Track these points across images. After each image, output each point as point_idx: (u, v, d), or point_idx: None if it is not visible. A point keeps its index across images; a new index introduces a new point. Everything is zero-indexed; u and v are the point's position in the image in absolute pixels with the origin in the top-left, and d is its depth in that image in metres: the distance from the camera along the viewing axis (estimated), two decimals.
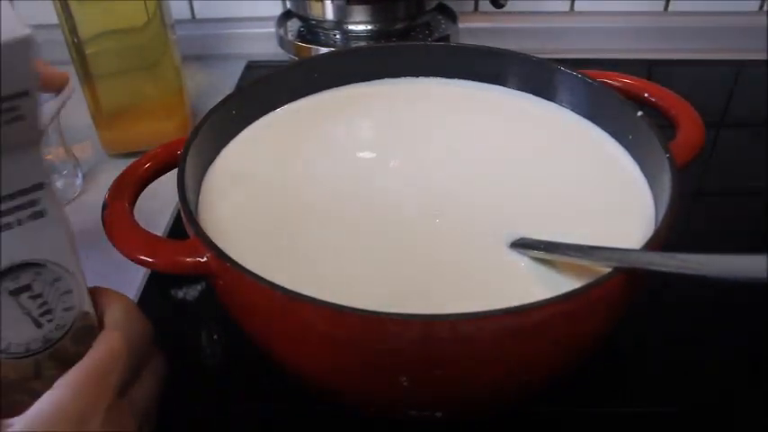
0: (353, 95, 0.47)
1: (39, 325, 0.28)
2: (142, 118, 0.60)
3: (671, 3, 0.76)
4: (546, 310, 0.28)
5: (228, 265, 0.30)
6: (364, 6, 0.64)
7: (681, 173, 0.35)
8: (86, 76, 0.57)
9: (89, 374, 0.27)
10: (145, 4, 0.55)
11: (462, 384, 0.32)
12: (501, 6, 0.70)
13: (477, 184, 0.40)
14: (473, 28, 0.76)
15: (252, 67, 0.76)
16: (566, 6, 0.77)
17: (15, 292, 0.27)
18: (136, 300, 0.47)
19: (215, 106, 0.41)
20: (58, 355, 0.29)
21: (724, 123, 0.66)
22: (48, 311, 0.28)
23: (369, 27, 0.65)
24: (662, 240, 0.32)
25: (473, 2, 0.78)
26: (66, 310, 0.29)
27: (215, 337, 0.46)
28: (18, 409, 0.26)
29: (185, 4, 0.77)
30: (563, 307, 0.28)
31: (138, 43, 0.56)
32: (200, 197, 0.38)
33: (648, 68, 0.74)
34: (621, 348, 0.43)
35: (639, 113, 0.39)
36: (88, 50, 0.55)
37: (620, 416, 0.39)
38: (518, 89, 0.46)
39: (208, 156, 0.41)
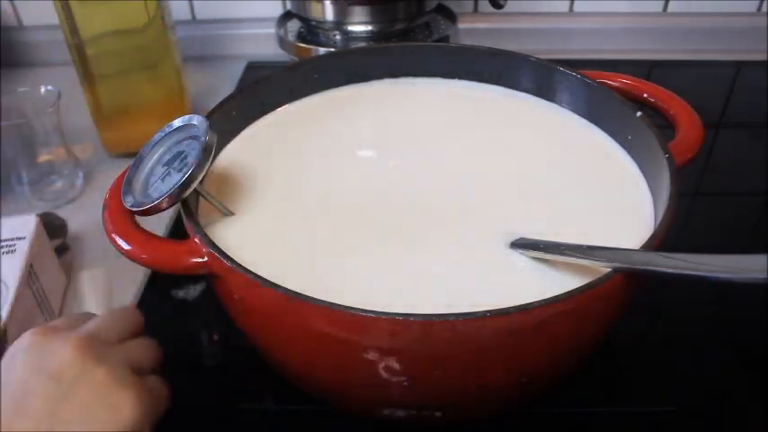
0: (353, 95, 0.47)
1: None
2: (142, 118, 0.60)
3: (670, 3, 0.76)
4: (546, 310, 0.28)
5: (228, 264, 0.30)
6: (364, 7, 0.64)
7: (680, 173, 0.35)
8: (87, 77, 0.57)
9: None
10: (145, 4, 0.55)
11: (462, 384, 0.32)
12: (500, 7, 0.70)
13: (477, 184, 0.40)
14: (472, 28, 0.76)
15: (252, 67, 0.76)
16: (565, 7, 0.77)
17: None
18: (136, 300, 0.47)
19: (215, 107, 0.41)
20: None
21: (723, 123, 0.66)
22: None
23: (368, 28, 0.66)
24: (661, 240, 0.32)
25: (472, 2, 0.78)
26: None
27: (215, 337, 0.46)
28: None
29: (186, 5, 0.77)
30: (563, 307, 0.28)
31: (139, 44, 0.56)
32: (201, 197, 0.38)
33: (648, 69, 0.74)
34: (621, 348, 0.43)
35: (639, 114, 0.39)
36: (89, 51, 0.55)
37: (620, 416, 0.39)
38: (518, 89, 0.47)
39: None
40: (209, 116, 0.40)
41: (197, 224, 0.33)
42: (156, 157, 0.35)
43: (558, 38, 0.77)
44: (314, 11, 0.66)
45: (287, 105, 0.46)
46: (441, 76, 0.48)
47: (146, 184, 0.35)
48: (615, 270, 0.29)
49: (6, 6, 0.76)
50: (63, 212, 0.53)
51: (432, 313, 0.27)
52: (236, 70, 0.75)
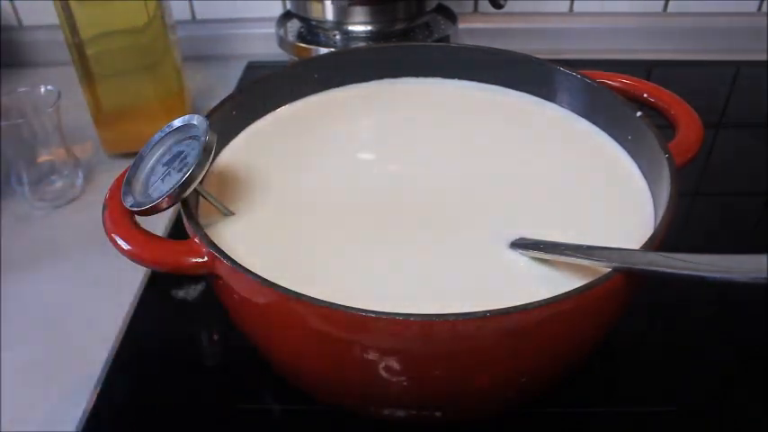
0: (353, 95, 0.47)
1: None
2: (142, 118, 0.60)
3: (670, 3, 0.76)
4: (545, 310, 0.28)
5: (228, 264, 0.30)
6: (364, 7, 0.64)
7: (680, 173, 0.35)
8: (87, 77, 0.57)
9: None
10: (145, 4, 0.55)
11: (462, 384, 0.32)
12: (500, 7, 0.70)
13: (477, 184, 0.40)
14: (472, 28, 0.77)
15: (252, 67, 0.76)
16: (565, 7, 0.78)
17: None
18: (136, 300, 0.47)
19: (215, 107, 0.41)
20: None
21: (723, 123, 0.66)
22: None
23: (369, 28, 0.66)
24: (661, 240, 0.32)
25: (473, 2, 0.78)
26: None
27: (215, 337, 0.46)
28: None
29: (186, 5, 0.77)
30: (563, 307, 0.28)
31: (139, 44, 0.56)
32: (200, 197, 0.38)
33: (648, 69, 0.74)
34: (621, 348, 0.43)
35: (639, 114, 0.39)
36: (89, 51, 0.55)
37: (620, 416, 0.39)
38: (518, 89, 0.47)
39: None
40: (209, 116, 0.40)
41: (197, 224, 0.33)
42: (156, 157, 0.35)
43: (558, 38, 0.77)
44: (314, 11, 0.66)
45: (287, 105, 0.46)
46: (441, 76, 0.48)
47: (146, 184, 0.35)
48: (615, 270, 0.29)
49: (6, 6, 0.76)
50: (63, 212, 0.53)
51: (432, 313, 0.27)
52: (236, 70, 0.75)
